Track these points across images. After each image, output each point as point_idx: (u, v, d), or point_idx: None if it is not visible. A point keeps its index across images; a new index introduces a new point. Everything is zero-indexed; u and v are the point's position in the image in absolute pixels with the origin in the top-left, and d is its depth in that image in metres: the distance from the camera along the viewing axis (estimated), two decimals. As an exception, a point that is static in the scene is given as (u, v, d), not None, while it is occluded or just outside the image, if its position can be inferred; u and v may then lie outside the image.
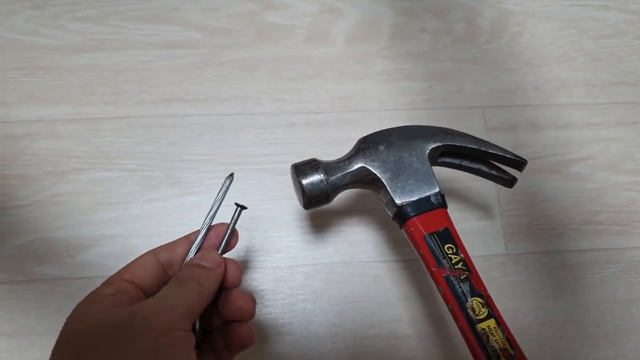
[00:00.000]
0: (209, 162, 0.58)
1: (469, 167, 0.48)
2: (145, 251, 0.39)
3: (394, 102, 0.62)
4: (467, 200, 0.59)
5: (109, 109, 0.60)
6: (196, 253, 0.40)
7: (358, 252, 0.56)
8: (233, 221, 0.43)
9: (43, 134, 0.58)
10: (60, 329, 0.51)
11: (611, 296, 0.56)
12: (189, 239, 0.41)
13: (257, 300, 0.54)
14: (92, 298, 0.36)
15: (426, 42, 0.65)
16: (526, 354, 0.53)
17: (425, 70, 0.64)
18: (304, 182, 0.43)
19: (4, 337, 0.51)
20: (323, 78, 0.63)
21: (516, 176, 0.48)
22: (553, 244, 0.58)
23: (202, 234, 0.41)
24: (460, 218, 0.58)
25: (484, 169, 0.48)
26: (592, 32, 0.67)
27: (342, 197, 0.46)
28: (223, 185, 0.44)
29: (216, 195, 0.43)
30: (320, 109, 0.61)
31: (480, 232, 0.58)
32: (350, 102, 0.62)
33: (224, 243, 0.42)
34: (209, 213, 0.42)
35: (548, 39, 0.67)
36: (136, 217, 0.56)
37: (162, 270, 0.39)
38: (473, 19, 0.67)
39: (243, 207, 0.44)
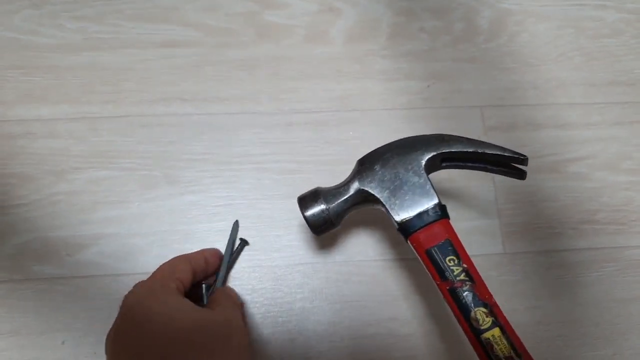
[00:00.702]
0: (208, 161, 0.58)
1: (474, 166, 0.48)
2: (177, 254, 0.50)
3: (393, 101, 0.62)
4: (465, 199, 0.59)
5: (108, 108, 0.60)
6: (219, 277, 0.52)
7: (357, 251, 0.56)
8: (236, 253, 0.55)
9: (42, 133, 0.58)
10: (60, 327, 0.52)
11: (609, 295, 0.56)
12: (207, 253, 0.52)
13: (256, 299, 0.54)
14: (163, 286, 0.43)
15: (425, 41, 0.65)
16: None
17: (424, 70, 0.64)
18: (307, 214, 0.46)
19: (3, 335, 0.52)
20: (322, 77, 0.63)
21: (524, 168, 0.47)
22: (551, 243, 0.58)
23: (224, 270, 0.53)
24: (458, 217, 0.58)
25: (490, 166, 0.48)
26: (590, 32, 0.67)
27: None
28: (232, 231, 0.55)
29: (228, 239, 0.54)
30: (320, 108, 0.61)
31: (478, 231, 0.58)
32: (349, 101, 0.62)
33: (224, 272, 0.52)
34: (226, 255, 0.54)
35: (546, 38, 0.67)
36: (135, 216, 0.56)
37: (192, 276, 0.47)
38: (472, 18, 0.67)
39: (246, 243, 0.55)
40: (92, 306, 0.53)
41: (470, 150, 0.46)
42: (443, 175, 0.59)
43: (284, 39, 0.64)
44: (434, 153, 0.45)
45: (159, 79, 0.61)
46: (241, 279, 0.55)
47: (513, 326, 0.54)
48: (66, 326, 0.52)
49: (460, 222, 0.58)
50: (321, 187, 0.47)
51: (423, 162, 0.44)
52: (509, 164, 0.48)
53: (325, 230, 0.47)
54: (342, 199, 0.46)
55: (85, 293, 0.53)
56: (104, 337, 0.52)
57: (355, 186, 0.45)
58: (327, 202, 0.46)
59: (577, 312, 0.56)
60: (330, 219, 0.46)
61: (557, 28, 0.68)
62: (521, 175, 0.48)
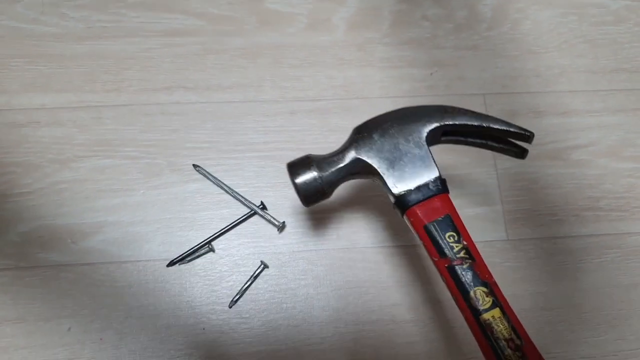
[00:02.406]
0: (211, 150, 0.59)
1: (474, 142, 0.46)
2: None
3: (395, 89, 0.62)
4: (468, 186, 0.59)
5: (111, 96, 0.60)
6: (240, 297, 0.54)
7: (360, 238, 0.57)
8: (254, 275, 0.54)
9: (45, 122, 0.59)
10: (65, 314, 0.52)
11: (611, 281, 0.57)
12: None
13: (260, 285, 0.54)
14: None
15: (427, 29, 0.65)
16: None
17: (427, 58, 0.64)
18: (298, 181, 0.43)
19: (9, 322, 0.52)
20: (324, 65, 0.63)
21: (526, 147, 0.46)
22: (553, 230, 0.58)
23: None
24: (461, 204, 0.58)
25: (492, 142, 0.46)
26: (593, 19, 0.67)
27: (343, 184, 0.46)
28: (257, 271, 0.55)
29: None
30: (322, 96, 0.62)
31: (481, 218, 0.58)
32: (351, 89, 0.62)
33: (241, 292, 0.54)
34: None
35: (549, 25, 0.67)
36: (139, 204, 0.56)
37: None
38: (474, 5, 0.67)
39: (266, 266, 0.55)
40: (98, 293, 0.53)
41: (476, 124, 0.43)
42: (446, 163, 0.60)
43: (286, 27, 0.64)
44: (437, 124, 0.43)
45: (161, 67, 0.61)
46: (246, 265, 0.55)
47: (516, 311, 0.55)
48: (72, 313, 0.52)
49: (463, 208, 0.58)
50: (313, 154, 0.44)
51: (425, 134, 0.42)
52: (511, 141, 0.46)
53: (316, 201, 0.44)
54: (337, 167, 0.43)
55: (90, 280, 0.54)
56: (110, 323, 0.52)
57: (351, 155, 0.43)
58: (320, 169, 0.42)
59: (579, 297, 0.56)
60: (323, 188, 0.43)
61: (560, 15, 0.67)
62: (522, 154, 0.46)
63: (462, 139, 0.46)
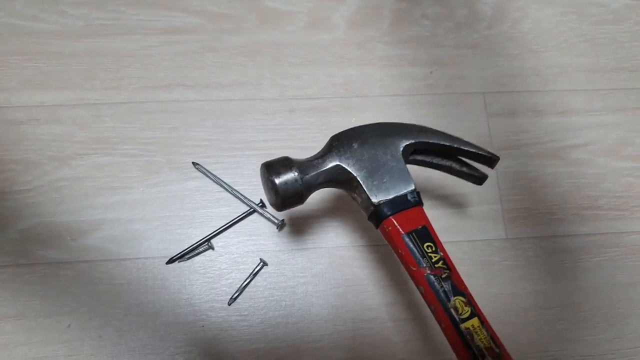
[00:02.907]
0: (210, 147, 0.59)
1: (439, 164, 0.48)
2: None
3: (395, 87, 0.62)
4: (467, 184, 0.59)
5: (110, 94, 0.60)
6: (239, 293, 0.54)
7: (358, 236, 0.57)
8: (253, 273, 0.54)
9: (44, 119, 0.59)
10: (65, 311, 0.52)
11: (610, 280, 0.57)
12: None
13: (259, 283, 0.55)
14: None
15: (427, 27, 0.65)
16: (524, 336, 0.54)
17: (427, 56, 0.64)
18: (278, 181, 0.41)
19: (9, 319, 0.52)
20: (324, 64, 0.63)
21: (487, 173, 0.48)
22: (553, 229, 0.58)
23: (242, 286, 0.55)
24: (460, 203, 0.58)
25: (455, 166, 0.48)
26: (593, 18, 0.67)
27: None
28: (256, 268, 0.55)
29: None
30: (322, 94, 0.61)
31: (480, 217, 0.58)
32: (351, 87, 0.62)
33: (241, 290, 0.54)
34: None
35: (549, 24, 0.67)
36: (138, 202, 0.56)
37: None
38: (474, 4, 0.67)
39: (265, 264, 0.55)
40: (97, 290, 0.53)
41: (447, 143, 0.45)
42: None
43: (285, 25, 0.64)
44: (413, 141, 0.44)
45: (160, 65, 0.61)
46: (245, 263, 0.55)
47: (515, 310, 0.55)
48: (71, 310, 0.53)
49: (463, 207, 0.58)
50: (291, 157, 0.43)
51: (401, 148, 0.43)
52: (473, 167, 0.48)
53: (292, 204, 0.42)
54: (317, 171, 0.42)
55: (89, 277, 0.54)
56: (109, 321, 0.52)
57: (332, 160, 0.42)
58: (301, 172, 0.41)
59: (578, 296, 0.56)
60: (302, 191, 0.41)
61: (560, 14, 0.67)
62: (481, 180, 0.48)
63: (428, 160, 0.47)
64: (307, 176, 0.42)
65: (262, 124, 0.60)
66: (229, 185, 0.57)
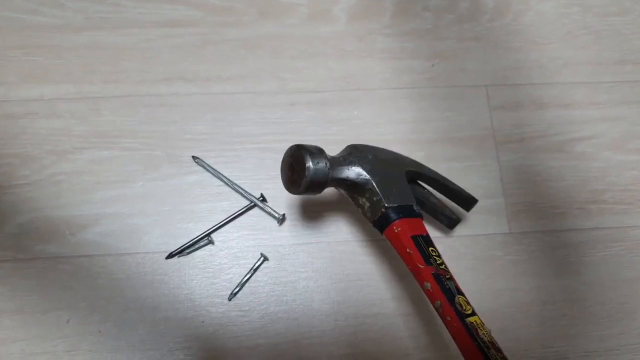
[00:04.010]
0: (210, 141, 0.58)
1: (424, 201, 0.52)
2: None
3: (396, 80, 0.62)
4: (471, 178, 0.59)
5: (110, 87, 0.59)
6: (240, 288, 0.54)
7: (360, 230, 0.56)
8: (254, 268, 0.54)
9: (43, 113, 0.58)
10: (64, 306, 0.52)
11: (615, 275, 0.56)
12: None
13: (260, 278, 0.54)
14: None
15: (429, 20, 0.64)
16: (529, 332, 0.53)
17: (428, 49, 0.63)
18: (311, 164, 0.43)
19: (7, 314, 0.52)
20: (325, 56, 0.62)
21: (461, 217, 0.54)
22: (556, 223, 0.58)
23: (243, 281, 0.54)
24: (463, 197, 0.57)
25: (437, 207, 0.53)
26: (597, 10, 0.66)
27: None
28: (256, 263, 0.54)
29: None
30: (322, 87, 0.61)
31: (483, 211, 0.57)
32: (352, 80, 0.61)
33: (241, 285, 0.54)
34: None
35: (552, 16, 0.66)
36: (137, 196, 0.56)
37: None
38: (477, -3, 0.66)
39: (266, 259, 0.54)
40: (96, 285, 0.53)
41: (438, 178, 0.52)
42: (447, 154, 0.59)
43: (286, 17, 0.63)
44: (413, 169, 0.50)
45: (160, 58, 0.61)
46: (245, 258, 0.55)
47: (518, 305, 0.54)
48: (70, 305, 0.52)
49: (465, 201, 0.57)
50: None
51: (405, 171, 0.48)
52: (447, 213, 0.53)
53: (313, 190, 0.44)
54: (341, 167, 0.45)
55: (88, 272, 0.53)
56: (109, 316, 0.52)
57: (352, 163, 0.45)
58: (330, 162, 0.44)
59: (582, 291, 0.55)
60: (327, 180, 0.44)
61: (563, 6, 0.66)
62: (453, 224, 0.53)
63: (418, 190, 0.52)
64: (334, 169, 0.44)
65: (262, 118, 0.59)
66: (229, 179, 0.56)
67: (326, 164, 0.43)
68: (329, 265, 0.55)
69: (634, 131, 0.62)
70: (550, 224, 0.58)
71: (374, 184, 0.45)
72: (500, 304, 0.54)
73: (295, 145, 0.45)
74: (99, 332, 0.51)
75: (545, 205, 0.58)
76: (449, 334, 0.53)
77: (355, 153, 0.47)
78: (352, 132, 0.59)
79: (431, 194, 0.54)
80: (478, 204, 0.58)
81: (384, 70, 0.62)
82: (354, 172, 0.45)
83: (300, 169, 0.43)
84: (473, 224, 0.57)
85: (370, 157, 0.46)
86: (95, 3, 0.62)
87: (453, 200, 0.53)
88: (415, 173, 0.50)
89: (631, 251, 0.57)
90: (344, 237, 0.56)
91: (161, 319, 0.52)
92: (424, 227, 0.46)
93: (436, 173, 0.52)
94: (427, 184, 0.53)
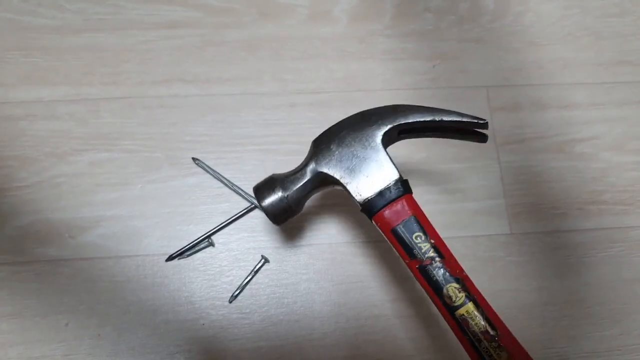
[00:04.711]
0: (210, 143, 0.58)
1: (434, 134, 0.46)
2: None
3: (397, 81, 0.62)
4: (471, 179, 0.59)
5: (109, 89, 0.59)
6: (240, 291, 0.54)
7: (361, 232, 0.56)
8: (254, 270, 0.53)
9: (42, 115, 0.58)
10: (63, 309, 0.51)
11: (615, 275, 0.56)
12: None
13: (261, 280, 0.54)
14: None
15: (430, 21, 0.64)
16: (530, 333, 0.53)
17: (429, 50, 0.63)
18: (264, 204, 0.43)
19: (6, 318, 0.51)
20: (325, 58, 0.62)
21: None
22: (557, 224, 0.58)
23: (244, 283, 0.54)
24: (463, 198, 0.57)
25: (450, 133, 0.46)
26: (597, 11, 0.66)
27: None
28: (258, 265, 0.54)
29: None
30: (323, 88, 0.61)
31: (484, 212, 0.57)
32: (353, 81, 0.61)
33: (242, 287, 0.53)
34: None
35: (552, 18, 0.66)
36: (137, 198, 0.55)
37: None
38: (477, -2, 0.66)
39: (266, 261, 0.54)
40: (95, 288, 0.52)
41: (428, 119, 0.43)
42: (447, 155, 0.59)
43: (286, 18, 0.63)
44: (390, 126, 0.43)
45: (160, 60, 0.61)
46: (246, 260, 0.54)
47: (519, 306, 0.54)
48: (69, 308, 0.52)
49: (466, 202, 0.57)
50: (276, 174, 0.45)
51: (379, 137, 0.42)
52: (469, 130, 0.45)
53: (285, 219, 0.45)
54: (300, 184, 0.43)
55: (88, 275, 0.53)
56: (108, 319, 0.52)
57: (312, 169, 0.43)
58: (284, 189, 0.43)
59: (583, 292, 0.55)
60: (290, 206, 0.43)
61: (563, 8, 0.67)
62: (483, 138, 0.46)
63: (420, 134, 0.46)
64: (291, 192, 0.43)
65: (262, 119, 0.59)
66: (229, 181, 0.56)
67: (280, 195, 0.43)
68: (330, 267, 0.54)
69: (634, 132, 0.62)
70: (550, 224, 0.58)
71: (342, 182, 0.42)
72: (502, 305, 0.53)
73: (252, 188, 0.45)
74: (98, 335, 0.51)
75: (546, 206, 0.58)
76: (449, 336, 0.53)
77: (316, 153, 0.43)
78: (352, 134, 0.59)
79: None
80: (479, 204, 0.58)
81: (385, 72, 0.62)
82: (317, 178, 0.43)
83: (262, 209, 0.44)
84: (474, 225, 0.57)
85: (333, 148, 0.43)
86: (94, 4, 0.62)
87: (459, 138, 0.46)
88: (398, 126, 0.43)
89: (631, 252, 0.57)
90: (344, 238, 0.56)
91: (161, 321, 0.52)
92: (411, 204, 0.41)
93: (424, 112, 0.43)
94: (419, 131, 0.45)
